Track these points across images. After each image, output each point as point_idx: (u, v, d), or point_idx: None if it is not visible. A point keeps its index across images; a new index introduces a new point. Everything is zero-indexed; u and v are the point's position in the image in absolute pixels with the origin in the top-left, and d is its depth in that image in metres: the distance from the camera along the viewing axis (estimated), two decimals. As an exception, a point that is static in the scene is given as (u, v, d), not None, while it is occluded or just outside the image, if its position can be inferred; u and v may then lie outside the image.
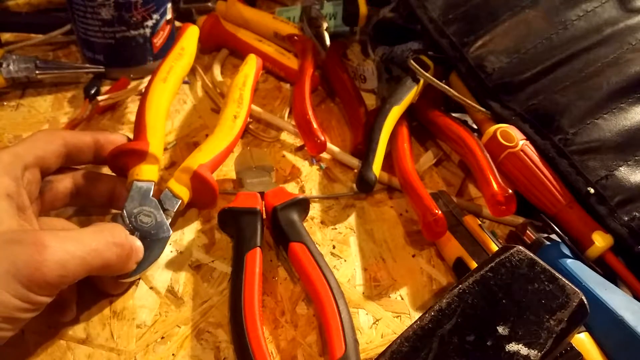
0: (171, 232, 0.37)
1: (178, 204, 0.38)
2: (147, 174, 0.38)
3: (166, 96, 0.43)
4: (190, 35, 0.49)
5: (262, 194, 0.41)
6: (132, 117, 0.50)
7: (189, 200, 0.40)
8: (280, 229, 0.38)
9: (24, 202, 0.32)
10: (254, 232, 0.37)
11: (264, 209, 0.40)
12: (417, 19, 0.52)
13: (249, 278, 0.34)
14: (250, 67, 0.51)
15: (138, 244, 0.34)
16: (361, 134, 0.48)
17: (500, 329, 0.27)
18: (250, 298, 0.33)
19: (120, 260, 0.32)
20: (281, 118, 0.52)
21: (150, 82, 0.44)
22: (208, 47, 0.57)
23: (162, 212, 0.37)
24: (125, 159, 0.38)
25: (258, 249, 0.36)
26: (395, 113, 0.47)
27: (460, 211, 0.42)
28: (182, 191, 0.39)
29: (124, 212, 0.36)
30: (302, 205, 0.40)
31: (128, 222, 0.36)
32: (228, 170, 0.46)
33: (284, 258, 0.39)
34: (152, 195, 0.37)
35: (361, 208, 0.44)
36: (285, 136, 0.51)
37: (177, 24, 0.60)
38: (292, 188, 0.45)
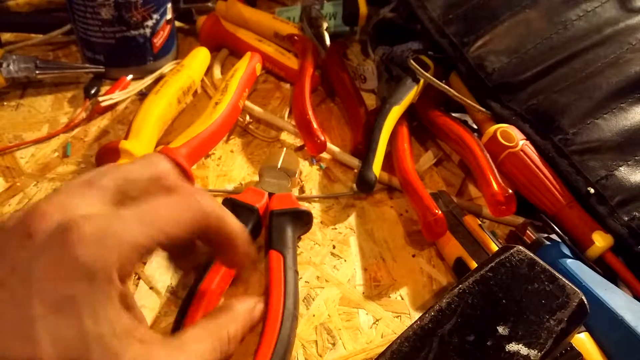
0: None
1: None
2: None
3: (156, 106, 0.46)
4: (194, 55, 0.53)
5: (271, 195, 0.41)
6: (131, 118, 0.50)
7: None
8: (269, 234, 0.38)
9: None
10: None
11: (265, 209, 0.40)
12: (417, 19, 0.52)
13: (215, 268, 0.35)
14: (243, 61, 0.52)
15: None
16: (361, 134, 0.48)
17: (500, 329, 0.27)
18: (207, 284, 0.33)
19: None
20: (281, 118, 0.52)
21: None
22: (208, 47, 0.57)
23: None
24: (107, 159, 0.42)
25: None
26: (395, 113, 0.47)
27: (460, 211, 0.42)
28: None
29: None
30: (300, 217, 0.39)
31: None
32: (228, 169, 0.46)
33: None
34: None
35: (361, 208, 0.44)
36: (285, 136, 0.51)
37: (177, 24, 0.60)
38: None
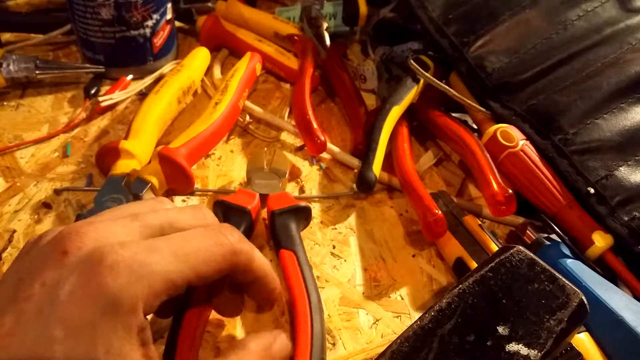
0: None
1: (147, 187, 0.39)
2: (121, 168, 0.41)
3: (156, 106, 0.46)
4: (194, 55, 0.53)
5: (265, 196, 0.40)
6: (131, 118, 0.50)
7: (163, 183, 0.41)
8: (275, 234, 0.38)
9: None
10: None
11: (259, 211, 0.40)
12: (417, 19, 0.52)
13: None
14: (243, 61, 0.52)
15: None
16: (361, 134, 0.48)
17: (500, 329, 0.27)
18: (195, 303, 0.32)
19: None
20: (281, 118, 0.52)
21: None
22: (208, 47, 0.57)
23: (130, 197, 0.38)
24: (107, 159, 0.42)
25: None
26: (395, 113, 0.47)
27: (460, 211, 0.42)
28: (150, 175, 0.40)
29: (94, 203, 0.38)
30: (301, 213, 0.40)
31: (96, 211, 0.37)
32: (228, 169, 0.46)
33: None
34: (125, 185, 0.39)
35: (361, 208, 0.44)
36: (285, 136, 0.51)
37: (177, 24, 0.60)
38: (292, 188, 0.45)
